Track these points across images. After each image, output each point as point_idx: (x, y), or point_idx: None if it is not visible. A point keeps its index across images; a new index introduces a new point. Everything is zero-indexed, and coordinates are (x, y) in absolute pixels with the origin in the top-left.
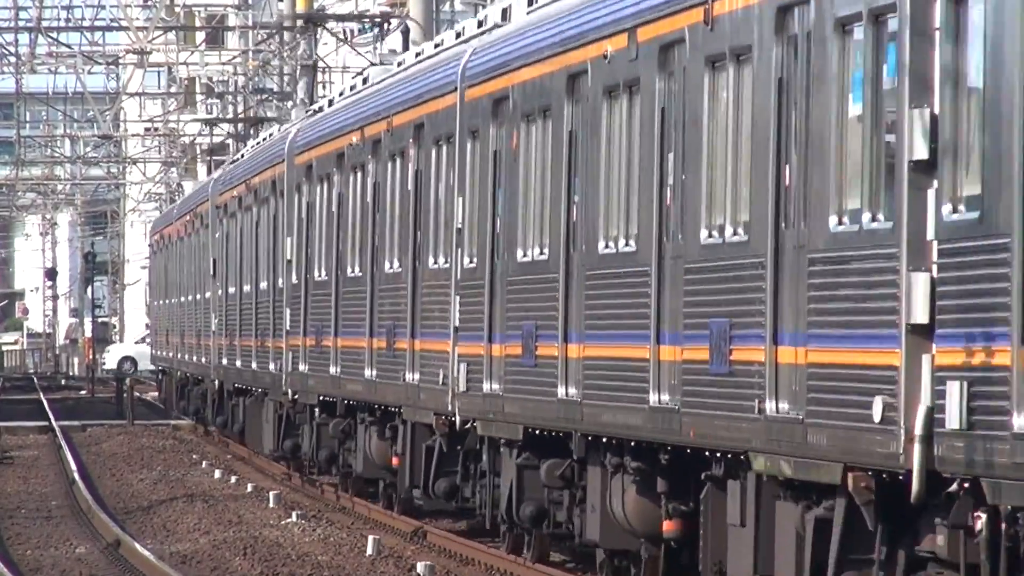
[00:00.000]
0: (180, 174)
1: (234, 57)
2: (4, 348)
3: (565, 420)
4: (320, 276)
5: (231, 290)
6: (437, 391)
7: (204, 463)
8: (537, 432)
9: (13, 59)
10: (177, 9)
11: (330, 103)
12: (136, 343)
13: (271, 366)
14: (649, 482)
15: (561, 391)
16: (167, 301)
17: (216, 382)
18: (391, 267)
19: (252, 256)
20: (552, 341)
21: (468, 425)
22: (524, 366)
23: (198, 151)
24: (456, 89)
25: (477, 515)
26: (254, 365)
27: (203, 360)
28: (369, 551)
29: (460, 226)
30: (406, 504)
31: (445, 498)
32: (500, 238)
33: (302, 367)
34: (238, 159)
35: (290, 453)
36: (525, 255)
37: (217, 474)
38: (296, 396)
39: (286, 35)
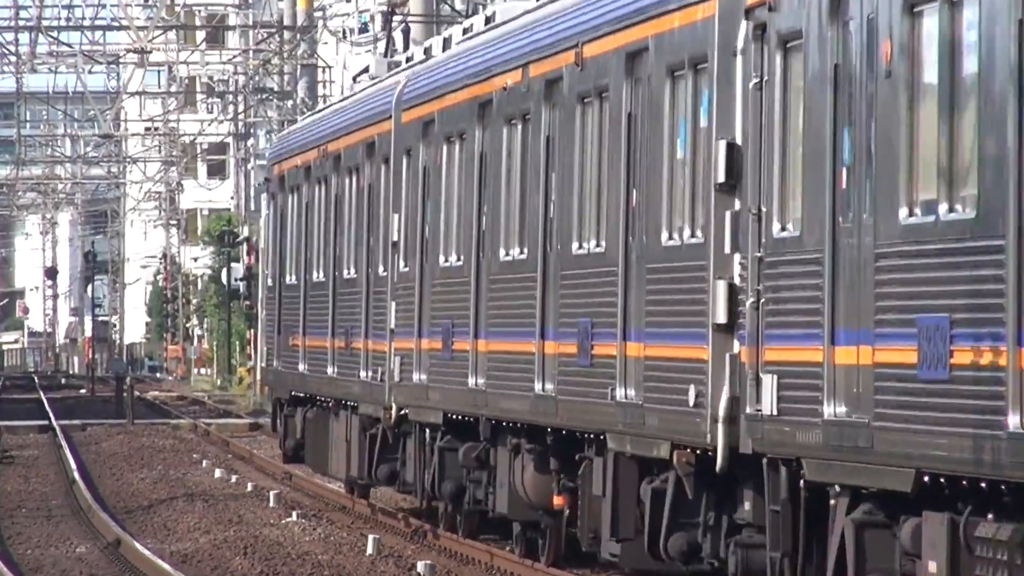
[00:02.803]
0: (180, 173)
1: (234, 56)
2: (4, 347)
3: (474, 406)
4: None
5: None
6: (378, 386)
7: (204, 462)
8: (455, 417)
9: (13, 58)
10: (177, 8)
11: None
12: None
13: None
14: (544, 461)
15: (472, 381)
16: (340, 274)
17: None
18: (349, 273)
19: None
20: (465, 337)
21: (401, 412)
22: (444, 359)
23: (198, 150)
24: (391, 116)
25: (412, 494)
26: None
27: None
28: (369, 550)
29: (396, 239)
30: (362, 490)
31: (386, 482)
32: (428, 246)
33: None
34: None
35: None
36: (446, 260)
37: (217, 473)
38: None
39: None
